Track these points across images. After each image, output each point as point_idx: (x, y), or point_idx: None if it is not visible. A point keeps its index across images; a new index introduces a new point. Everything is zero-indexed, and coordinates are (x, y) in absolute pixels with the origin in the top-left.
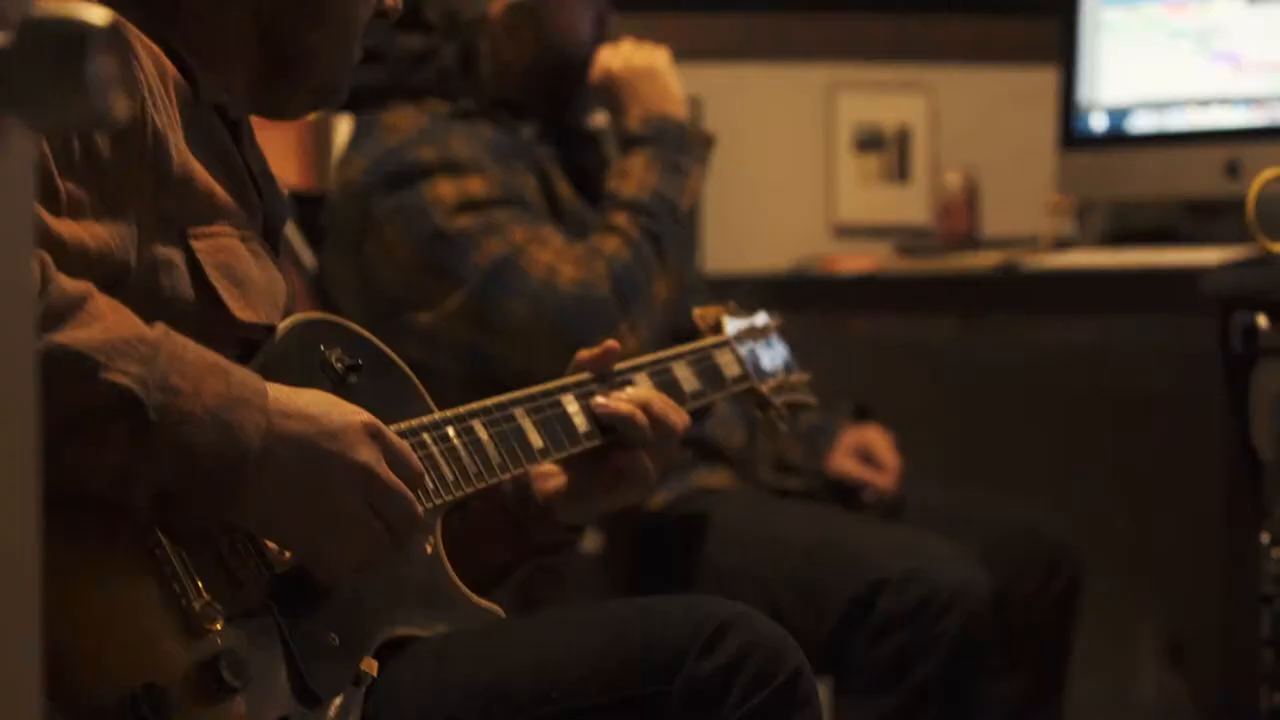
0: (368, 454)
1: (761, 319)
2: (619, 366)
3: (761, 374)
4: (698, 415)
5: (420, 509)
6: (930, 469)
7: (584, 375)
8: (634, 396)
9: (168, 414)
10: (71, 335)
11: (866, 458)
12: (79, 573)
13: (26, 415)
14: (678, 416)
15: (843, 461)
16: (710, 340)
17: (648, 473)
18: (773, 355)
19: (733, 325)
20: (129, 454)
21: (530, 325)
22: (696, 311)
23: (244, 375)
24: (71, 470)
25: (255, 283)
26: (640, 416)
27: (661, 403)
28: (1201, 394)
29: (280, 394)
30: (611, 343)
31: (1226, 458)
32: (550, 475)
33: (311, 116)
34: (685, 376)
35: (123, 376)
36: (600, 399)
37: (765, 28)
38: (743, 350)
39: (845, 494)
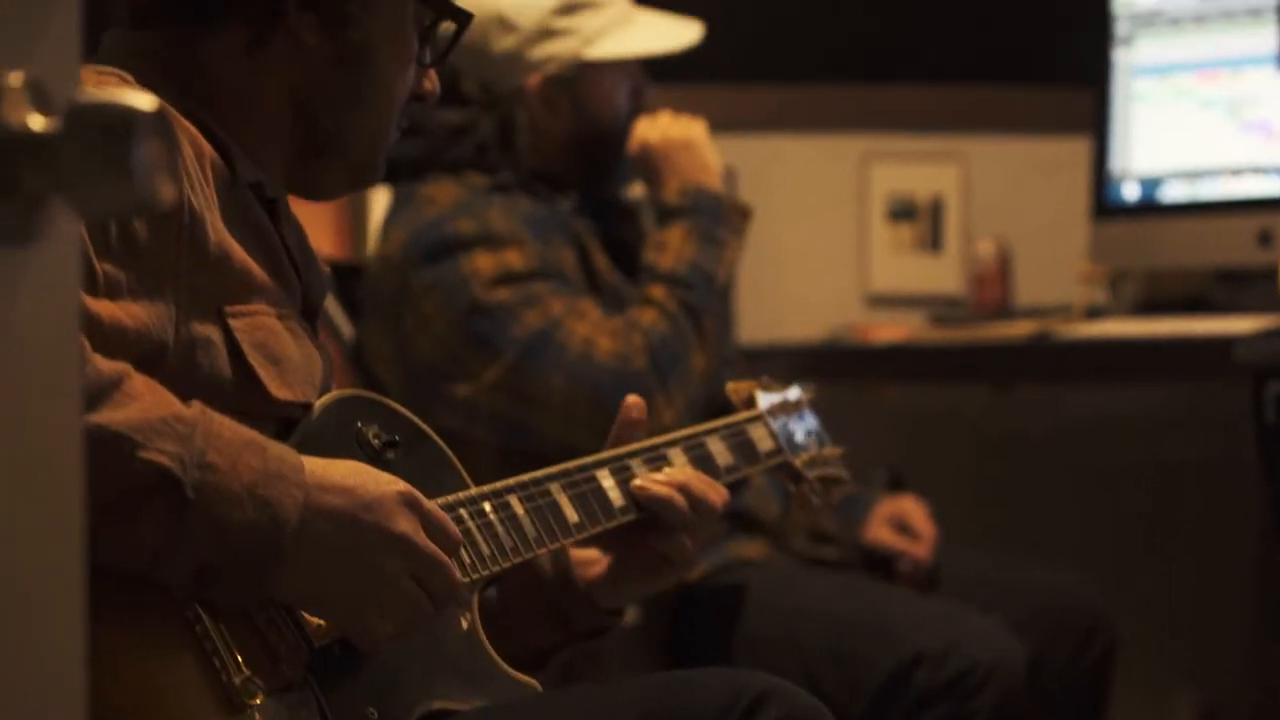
0: (405, 523)
1: (795, 393)
2: (653, 441)
3: (795, 448)
4: (734, 488)
5: (459, 575)
6: (965, 538)
7: (619, 450)
8: (672, 478)
9: (205, 491)
10: (109, 416)
11: (902, 528)
12: (119, 649)
13: (74, 498)
14: (716, 495)
15: (878, 532)
16: (744, 415)
17: (687, 551)
18: (806, 429)
19: (766, 400)
20: (167, 532)
21: (568, 398)
22: (730, 386)
23: (280, 450)
24: (110, 548)
25: (292, 361)
26: (679, 499)
27: (700, 482)
28: (1234, 461)
29: (316, 467)
30: (633, 400)
31: (1259, 525)
32: (591, 561)
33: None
34: (719, 451)
35: (160, 455)
36: (639, 481)
37: (799, 99)
38: (776, 424)
39: (881, 564)
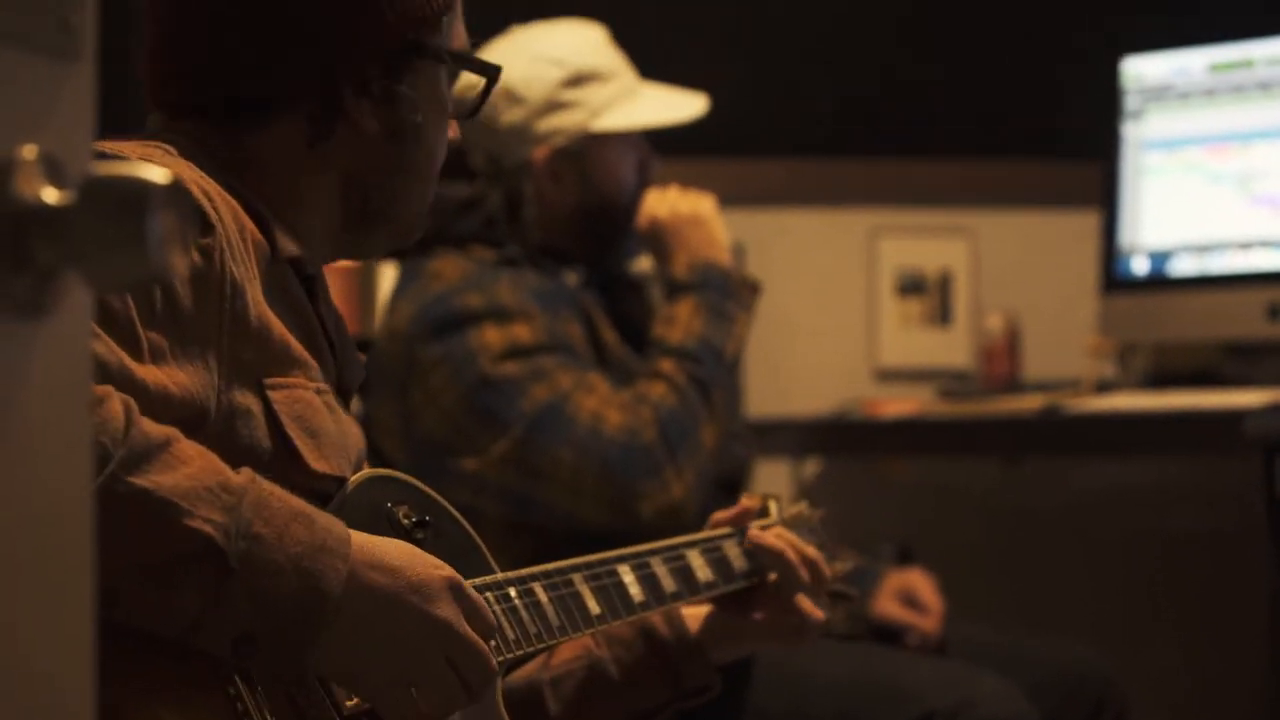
0: (448, 610)
1: (807, 510)
2: (672, 542)
3: None
4: None
5: (495, 664)
6: (974, 611)
7: (639, 548)
8: (782, 534)
9: (249, 562)
10: (155, 480)
11: (910, 601)
12: (155, 714)
13: (84, 570)
14: (819, 556)
15: (886, 605)
16: (760, 523)
17: (805, 607)
18: (817, 544)
19: (778, 511)
20: (208, 601)
21: (576, 471)
22: (746, 498)
23: (328, 522)
24: (149, 613)
25: (329, 435)
26: (791, 553)
27: (804, 545)
28: (1245, 535)
29: (365, 543)
30: (747, 501)
31: (1270, 598)
32: (704, 616)
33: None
34: (735, 555)
35: (205, 524)
36: (753, 534)
37: (807, 173)
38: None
39: (889, 637)
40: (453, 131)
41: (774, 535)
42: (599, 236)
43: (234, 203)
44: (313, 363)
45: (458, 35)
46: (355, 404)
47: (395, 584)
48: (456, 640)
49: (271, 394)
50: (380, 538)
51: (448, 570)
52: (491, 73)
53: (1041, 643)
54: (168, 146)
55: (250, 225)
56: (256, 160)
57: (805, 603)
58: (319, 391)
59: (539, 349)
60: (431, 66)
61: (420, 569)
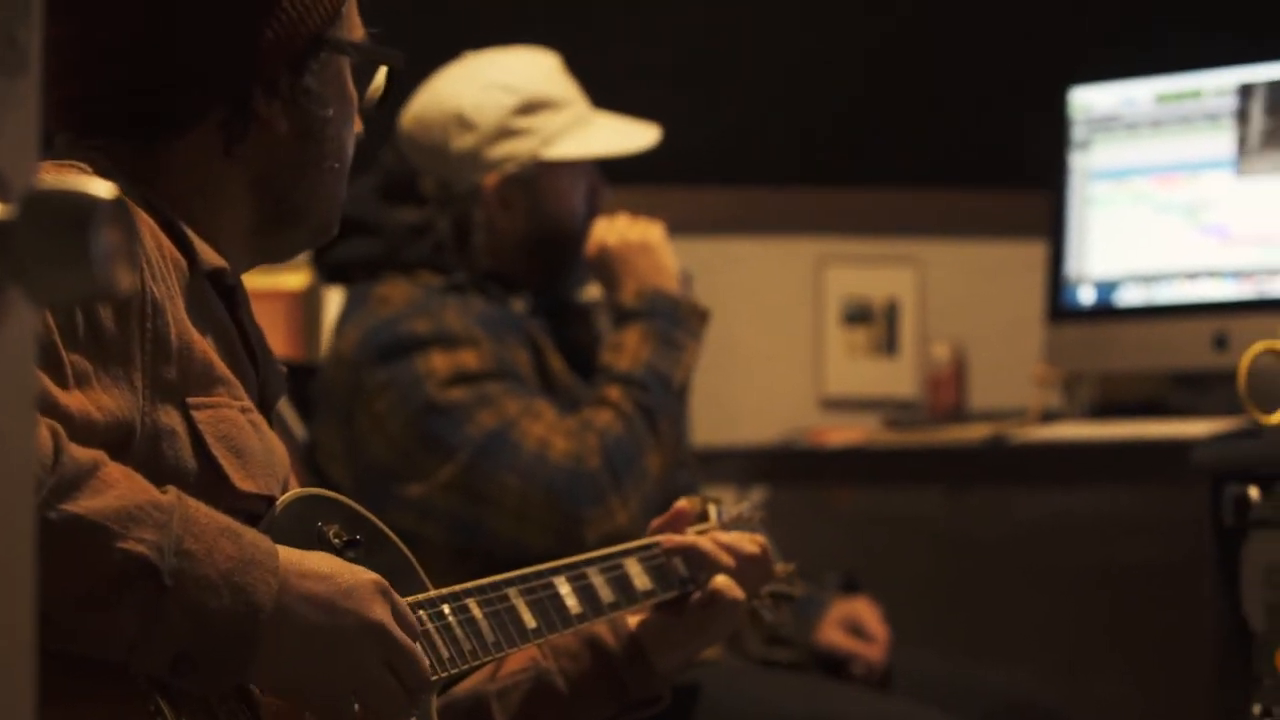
0: (382, 612)
1: (747, 509)
2: (609, 550)
3: None
4: None
5: (428, 667)
6: (919, 641)
7: (575, 559)
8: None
9: (182, 579)
10: (86, 505)
11: (855, 630)
12: None
13: (27, 589)
14: (751, 543)
15: (831, 634)
16: (698, 528)
17: (730, 591)
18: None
19: (718, 515)
20: (144, 620)
21: (522, 498)
22: (683, 502)
23: (255, 536)
24: (87, 638)
25: (255, 453)
26: (707, 542)
27: (731, 535)
28: (1192, 564)
29: (291, 555)
30: (683, 504)
31: (1217, 628)
32: (646, 625)
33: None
34: (677, 564)
35: (138, 544)
36: (666, 537)
37: (755, 202)
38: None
39: (834, 666)
40: (358, 125)
41: (694, 534)
42: (548, 264)
43: (151, 220)
44: (235, 380)
45: (356, 26)
46: (300, 429)
47: (328, 590)
48: (392, 643)
49: (195, 414)
50: (305, 550)
51: (374, 575)
52: (394, 60)
53: (988, 673)
54: (83, 165)
55: (168, 242)
56: (170, 172)
57: (722, 582)
58: (243, 410)
59: (486, 375)
60: (336, 60)
61: (348, 574)
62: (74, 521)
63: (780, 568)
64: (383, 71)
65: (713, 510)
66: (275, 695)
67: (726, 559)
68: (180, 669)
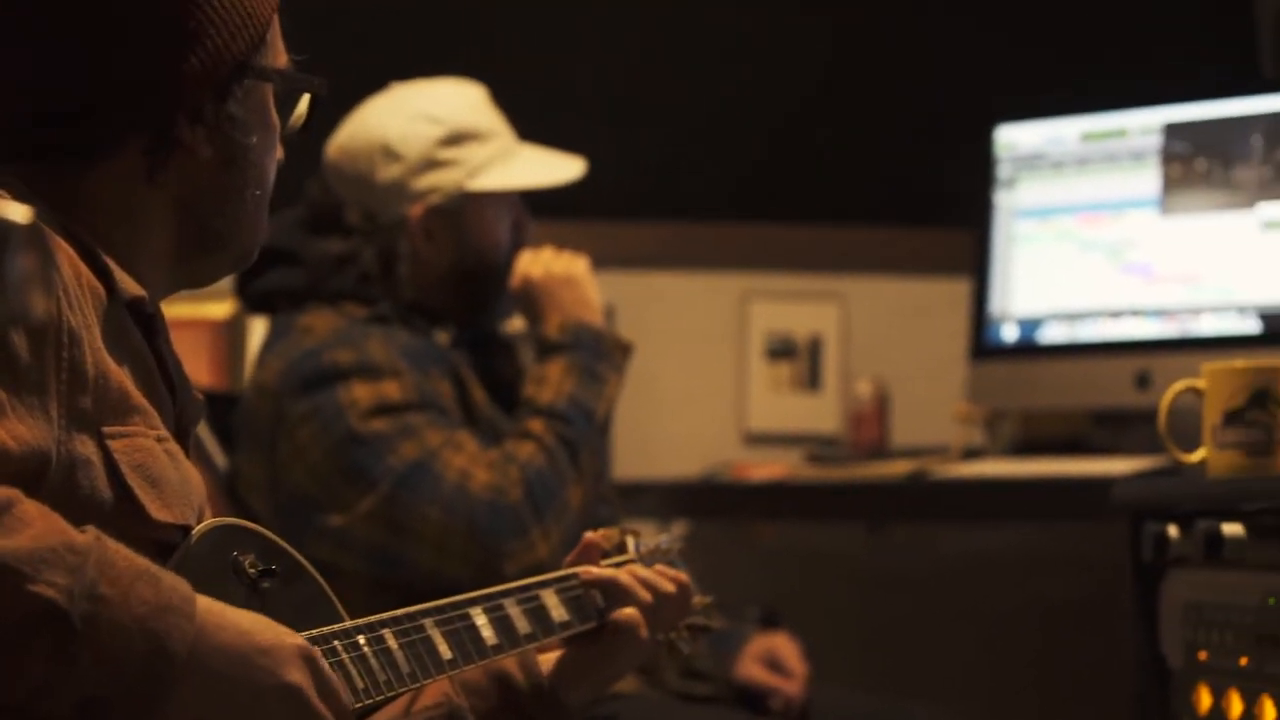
0: (299, 676)
1: (665, 541)
2: (526, 582)
3: None
4: None
5: None
6: (840, 677)
7: (492, 590)
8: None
9: (94, 624)
10: None
11: (774, 665)
12: None
13: None
14: (668, 581)
15: (750, 668)
16: (615, 560)
17: (633, 620)
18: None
19: (636, 547)
20: (52, 665)
21: (442, 529)
22: (600, 533)
23: (174, 581)
24: None
25: (170, 483)
26: (625, 576)
27: (650, 571)
28: (1112, 602)
29: (211, 605)
30: (597, 536)
31: (1136, 665)
32: (553, 659)
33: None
34: (595, 596)
35: (48, 588)
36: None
37: (680, 236)
38: None
39: (752, 700)
40: (280, 152)
41: (612, 567)
42: (472, 295)
43: (69, 248)
44: (151, 409)
45: (279, 53)
46: (221, 458)
47: (244, 645)
48: (307, 708)
49: (111, 443)
50: (228, 606)
51: (300, 639)
52: (317, 87)
53: (905, 710)
54: (2, 191)
55: (86, 270)
56: (91, 199)
57: (628, 614)
58: (159, 439)
59: (408, 406)
60: (259, 87)
61: (270, 634)
62: None
63: (698, 600)
64: (306, 99)
65: (631, 542)
66: None
67: (644, 594)
68: (89, 714)
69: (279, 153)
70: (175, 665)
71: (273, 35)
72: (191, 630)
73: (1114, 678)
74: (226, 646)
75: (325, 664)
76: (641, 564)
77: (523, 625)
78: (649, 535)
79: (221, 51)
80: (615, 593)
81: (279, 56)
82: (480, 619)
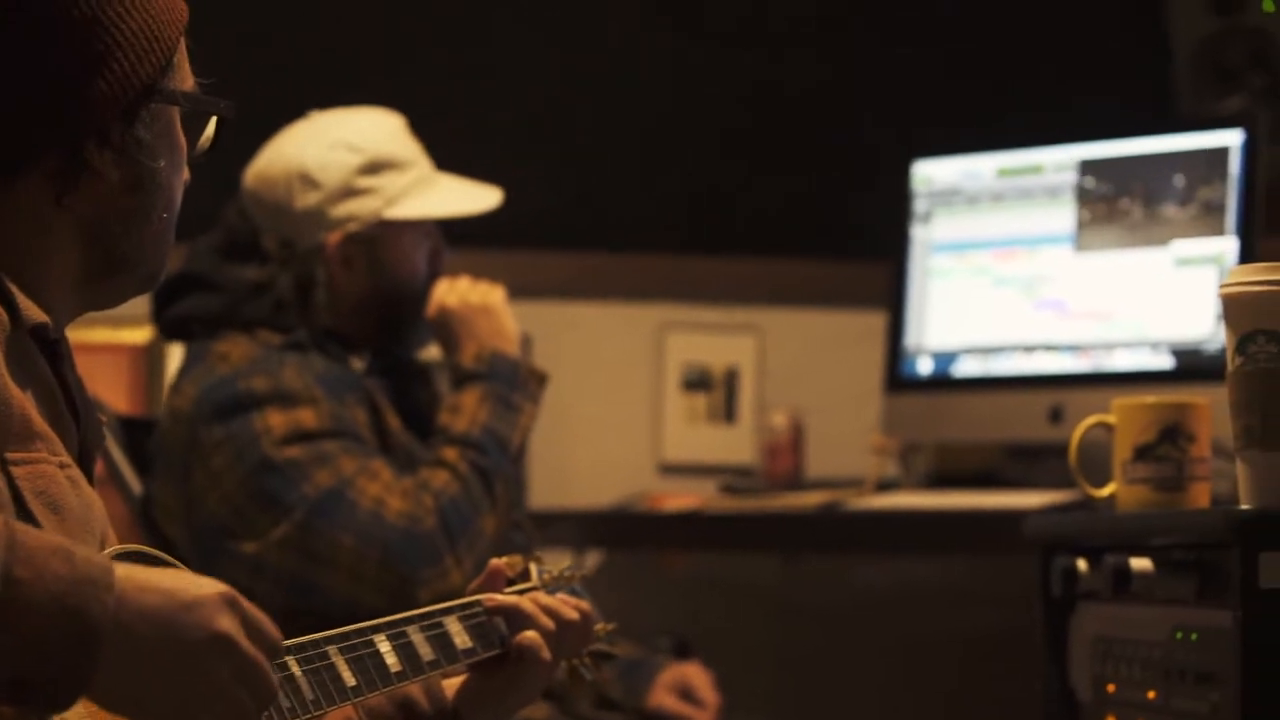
0: (229, 623)
1: (569, 569)
2: (429, 609)
3: None
4: None
5: (276, 681)
6: (753, 708)
7: (396, 617)
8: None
9: (10, 605)
10: None
11: (686, 695)
12: None
13: None
14: (569, 609)
15: (662, 698)
16: (519, 587)
17: (534, 644)
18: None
19: (539, 575)
20: None
21: (357, 557)
22: (504, 560)
23: (88, 553)
24: None
25: (72, 510)
26: (526, 603)
27: (551, 598)
28: (1023, 634)
29: (131, 570)
30: (500, 564)
31: (1046, 697)
32: (458, 685)
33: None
34: (498, 623)
35: None
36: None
37: (596, 267)
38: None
39: None
40: (186, 175)
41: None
42: (389, 323)
43: None
44: (54, 436)
45: (186, 76)
46: (135, 484)
47: (168, 603)
48: (239, 654)
49: (13, 469)
50: (151, 569)
51: (221, 585)
52: (225, 110)
53: None
54: None
55: None
56: None
57: (529, 638)
58: (62, 465)
59: (323, 434)
60: (166, 110)
61: (193, 587)
62: None
63: (600, 626)
64: (213, 121)
65: (534, 569)
66: (122, 715)
67: (546, 621)
68: (18, 695)
69: (185, 175)
70: (100, 637)
71: (179, 58)
72: (111, 600)
73: (1026, 710)
74: (150, 610)
75: (247, 602)
76: (545, 591)
77: (426, 652)
78: (554, 563)
79: (129, 75)
80: (518, 619)
81: (186, 79)
82: (384, 646)
